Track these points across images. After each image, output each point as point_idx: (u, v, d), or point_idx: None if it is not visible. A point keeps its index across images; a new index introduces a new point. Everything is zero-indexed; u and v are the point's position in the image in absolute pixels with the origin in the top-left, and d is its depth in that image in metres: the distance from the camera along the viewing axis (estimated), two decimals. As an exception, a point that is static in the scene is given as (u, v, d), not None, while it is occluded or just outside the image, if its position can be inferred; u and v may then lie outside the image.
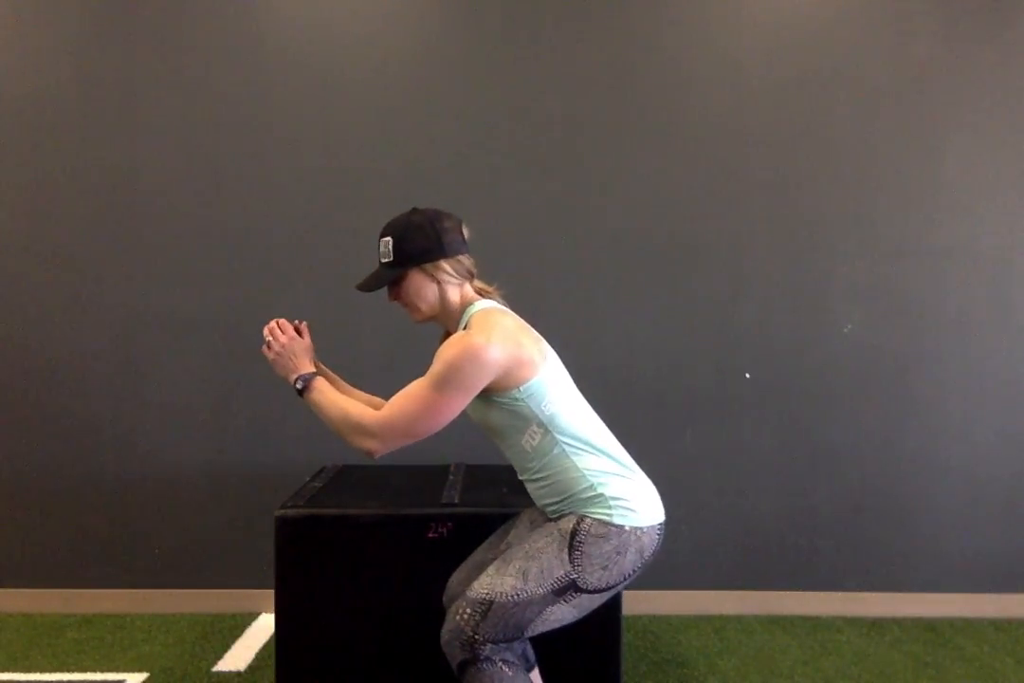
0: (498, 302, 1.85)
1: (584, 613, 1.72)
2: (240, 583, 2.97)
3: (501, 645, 1.69)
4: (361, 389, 3.09)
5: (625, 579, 1.71)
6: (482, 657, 1.67)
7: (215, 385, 2.96)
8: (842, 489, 2.98)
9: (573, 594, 1.67)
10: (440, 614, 1.88)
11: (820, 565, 2.99)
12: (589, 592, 1.68)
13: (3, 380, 2.97)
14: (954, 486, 2.97)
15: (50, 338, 2.96)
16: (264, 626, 2.84)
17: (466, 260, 1.80)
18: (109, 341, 2.96)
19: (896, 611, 2.97)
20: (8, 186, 2.95)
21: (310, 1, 2.93)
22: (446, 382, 1.64)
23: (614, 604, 2.15)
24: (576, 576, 1.66)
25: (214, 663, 2.57)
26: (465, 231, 1.82)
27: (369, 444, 1.70)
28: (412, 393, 1.68)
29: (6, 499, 2.98)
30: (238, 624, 2.87)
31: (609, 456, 1.75)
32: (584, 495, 1.71)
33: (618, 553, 1.68)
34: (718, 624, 2.90)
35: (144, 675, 2.49)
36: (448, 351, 1.66)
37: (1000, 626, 2.89)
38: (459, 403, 1.67)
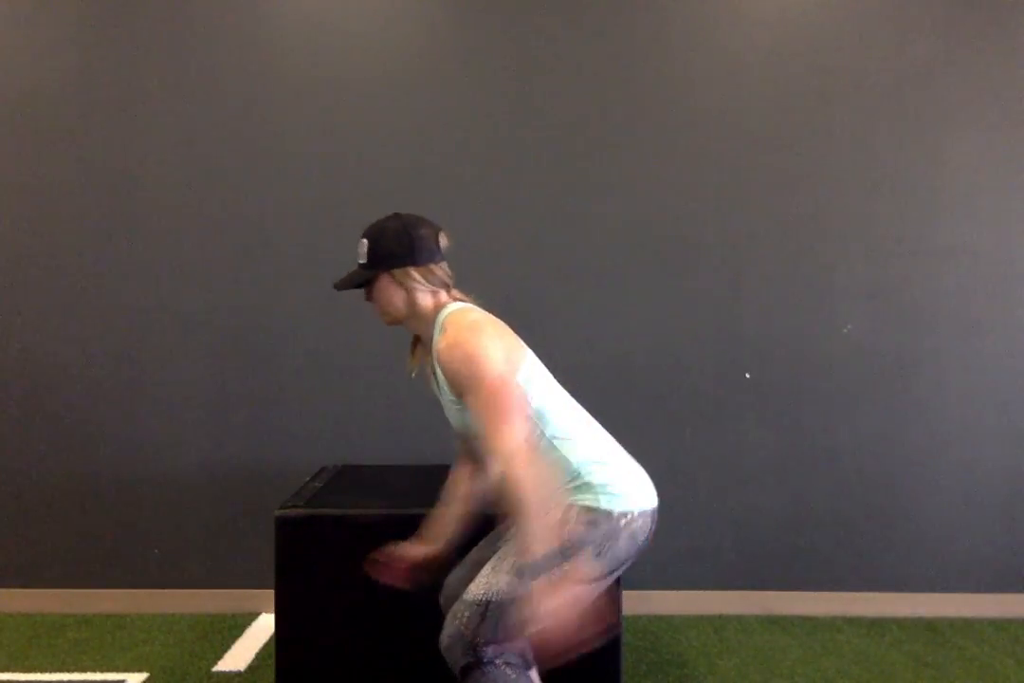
0: (470, 304, 1.84)
1: (583, 605, 1.71)
2: (240, 583, 2.97)
3: (503, 646, 1.68)
4: (362, 386, 3.10)
5: (621, 565, 1.71)
6: (485, 660, 1.66)
7: (215, 385, 2.96)
8: (842, 489, 2.97)
9: (563, 571, 1.66)
10: (440, 614, 1.88)
11: (820, 565, 2.99)
12: (585, 582, 1.68)
13: (3, 380, 2.97)
14: (954, 486, 2.97)
15: (50, 338, 2.96)
16: (264, 626, 2.84)
17: (439, 270, 1.78)
18: (109, 341, 2.96)
19: (896, 611, 2.97)
20: (8, 186, 2.95)
21: (311, 0, 2.93)
22: (483, 375, 1.63)
23: (614, 604, 2.15)
24: (571, 567, 1.66)
25: (214, 663, 2.57)
26: (442, 240, 1.81)
27: (517, 464, 1.60)
28: (480, 410, 1.64)
29: (6, 499, 2.98)
30: (238, 624, 2.87)
31: (595, 445, 1.75)
32: (571, 484, 1.71)
33: (610, 538, 1.67)
34: (718, 624, 2.90)
35: (144, 675, 2.49)
36: (456, 360, 1.65)
37: (1000, 626, 2.89)
38: (510, 379, 1.65)
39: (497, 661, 1.67)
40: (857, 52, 2.93)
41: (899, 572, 2.98)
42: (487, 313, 1.81)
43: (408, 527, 2.18)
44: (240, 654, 2.64)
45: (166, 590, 2.98)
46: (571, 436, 1.74)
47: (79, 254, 2.96)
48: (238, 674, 2.51)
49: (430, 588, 2.07)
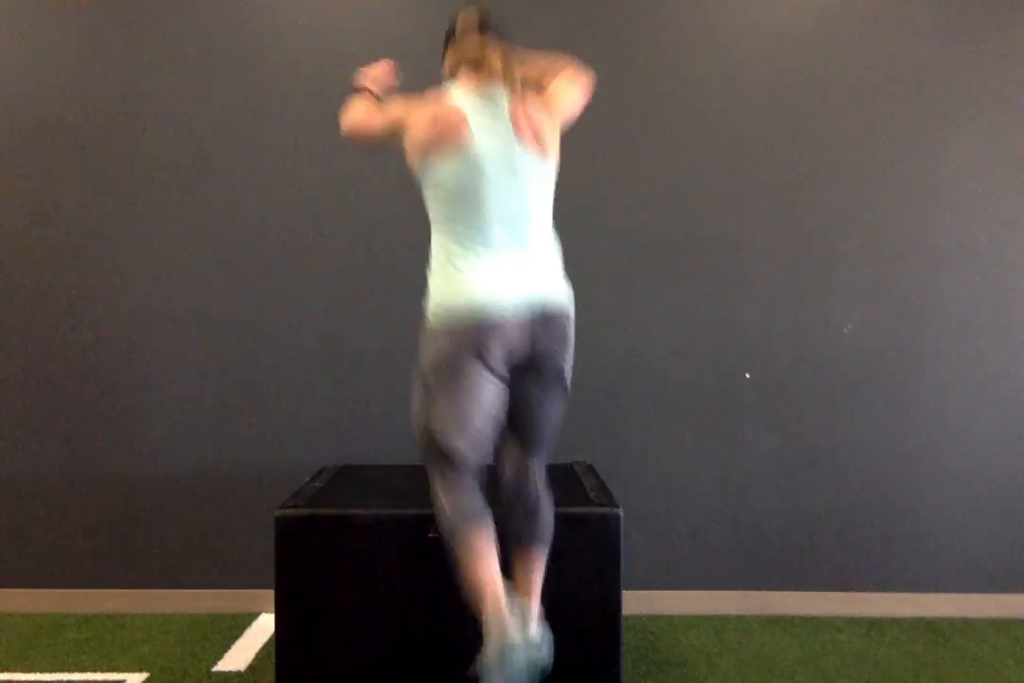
0: (463, 91, 2.00)
1: (440, 395, 1.85)
2: (240, 583, 2.97)
3: (450, 478, 1.87)
4: (362, 386, 3.09)
5: (443, 357, 1.85)
6: (442, 524, 1.87)
7: (216, 385, 2.96)
8: (842, 489, 2.97)
9: (424, 382, 1.89)
10: (441, 614, 1.88)
11: (820, 565, 2.99)
12: (427, 373, 1.88)
13: (3, 380, 2.97)
14: (954, 486, 2.97)
15: (50, 338, 2.96)
16: (264, 626, 2.84)
17: (450, 53, 2.12)
18: (109, 341, 2.96)
19: (896, 611, 2.97)
20: (9, 185, 2.95)
21: (310, 1, 2.93)
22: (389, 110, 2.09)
23: (614, 604, 2.15)
24: (421, 366, 1.89)
25: (214, 663, 2.57)
26: (462, 24, 2.13)
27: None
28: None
29: (6, 499, 2.98)
30: (238, 624, 2.87)
31: (458, 259, 1.87)
32: (431, 279, 1.91)
33: (440, 349, 1.85)
34: (718, 624, 2.90)
35: (144, 675, 2.49)
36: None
37: (1000, 626, 2.89)
38: (380, 120, 2.11)
39: (447, 528, 1.86)
40: (857, 52, 2.93)
41: (899, 572, 2.98)
42: (442, 103, 1.95)
43: (408, 527, 2.18)
44: (240, 654, 2.64)
45: (166, 590, 2.98)
46: (445, 243, 1.90)
47: (79, 253, 2.95)
48: (238, 674, 2.51)
49: (430, 590, 2.07)
